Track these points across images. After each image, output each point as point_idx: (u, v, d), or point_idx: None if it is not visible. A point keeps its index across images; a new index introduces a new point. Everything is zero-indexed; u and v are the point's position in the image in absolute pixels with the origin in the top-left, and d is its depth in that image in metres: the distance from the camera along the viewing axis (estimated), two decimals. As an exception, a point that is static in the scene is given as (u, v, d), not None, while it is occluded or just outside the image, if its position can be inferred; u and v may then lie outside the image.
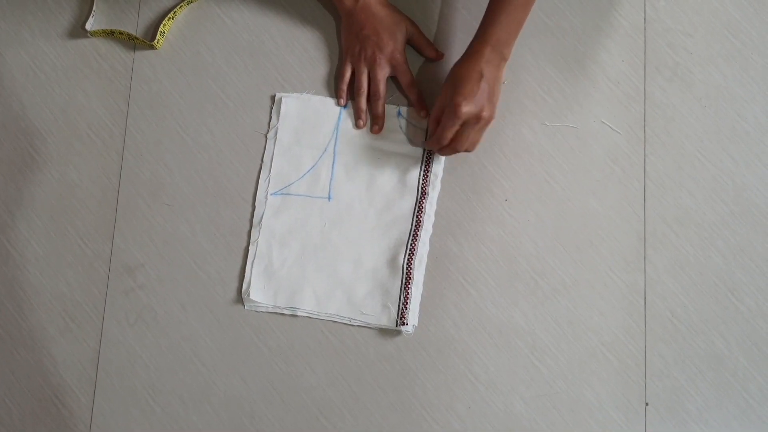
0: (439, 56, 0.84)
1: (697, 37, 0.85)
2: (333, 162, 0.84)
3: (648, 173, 0.83)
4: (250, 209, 0.84)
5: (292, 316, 0.82)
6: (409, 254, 0.81)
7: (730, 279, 0.81)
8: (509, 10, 0.75)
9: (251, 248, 0.83)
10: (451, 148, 0.77)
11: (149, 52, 0.88)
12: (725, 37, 0.85)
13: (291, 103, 0.85)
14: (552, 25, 0.86)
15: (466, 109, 0.73)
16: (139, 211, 0.85)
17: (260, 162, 0.85)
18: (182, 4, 0.87)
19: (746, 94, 0.84)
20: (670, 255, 0.81)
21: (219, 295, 0.83)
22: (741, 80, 0.84)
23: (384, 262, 0.81)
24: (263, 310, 0.82)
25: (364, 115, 0.84)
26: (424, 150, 0.83)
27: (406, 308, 0.79)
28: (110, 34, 0.87)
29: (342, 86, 0.84)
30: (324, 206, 0.83)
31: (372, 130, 0.83)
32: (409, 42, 0.84)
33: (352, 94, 0.84)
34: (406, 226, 0.82)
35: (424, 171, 0.83)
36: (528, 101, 0.84)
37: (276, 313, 0.82)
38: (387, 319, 0.80)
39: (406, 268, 0.80)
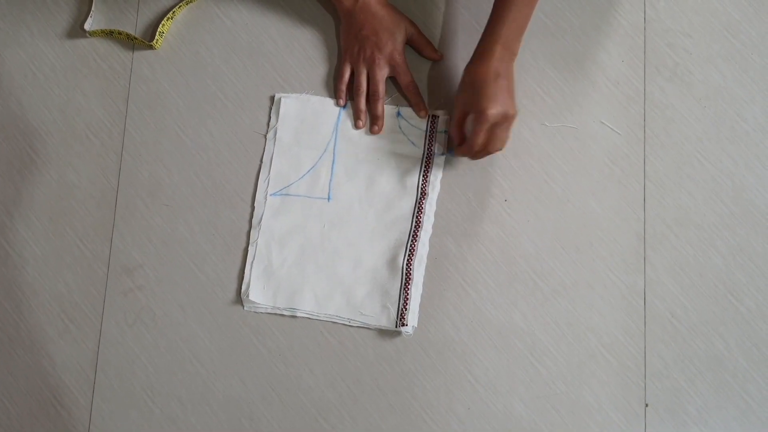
0: (439, 57, 0.84)
1: (696, 37, 0.85)
2: (332, 162, 0.84)
3: (647, 174, 0.83)
4: (249, 210, 0.84)
5: (292, 316, 0.82)
6: (409, 255, 0.81)
7: (729, 280, 0.81)
8: (516, 7, 0.75)
9: (250, 249, 0.83)
10: (484, 152, 0.77)
11: (148, 53, 0.87)
12: (725, 38, 0.85)
13: (290, 104, 0.85)
14: (552, 26, 0.86)
15: (493, 111, 0.73)
16: (137, 212, 0.85)
17: (259, 162, 0.85)
18: (181, 4, 0.87)
19: (746, 95, 0.84)
20: (669, 256, 0.81)
21: (218, 295, 0.83)
22: (740, 81, 0.84)
23: (383, 263, 0.81)
24: (262, 310, 0.82)
25: (364, 116, 0.84)
26: (424, 151, 0.83)
27: (406, 309, 0.79)
28: (109, 34, 0.87)
29: (341, 86, 0.84)
30: (323, 207, 0.83)
31: (371, 131, 0.83)
32: (409, 42, 0.84)
33: (351, 94, 0.84)
34: (406, 226, 0.82)
35: (424, 172, 0.83)
36: (527, 102, 0.84)
37: (275, 313, 0.82)
38: (386, 320, 0.80)
39: (406, 269, 0.80)
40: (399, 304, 0.80)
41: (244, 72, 0.86)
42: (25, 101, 0.88)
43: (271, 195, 0.83)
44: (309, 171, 0.84)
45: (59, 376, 0.82)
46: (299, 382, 0.81)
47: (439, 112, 0.84)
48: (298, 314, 0.81)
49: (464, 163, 0.83)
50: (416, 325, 0.80)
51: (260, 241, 0.83)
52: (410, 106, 0.84)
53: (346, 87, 0.84)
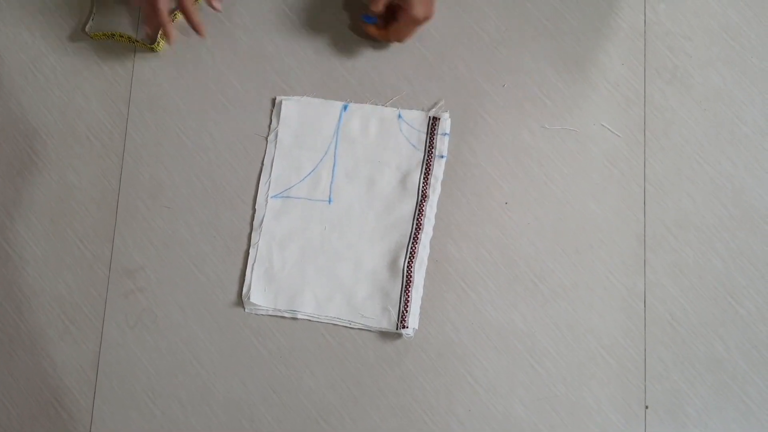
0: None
1: (696, 40, 0.85)
2: (333, 165, 0.84)
3: (647, 176, 0.83)
4: (250, 212, 0.84)
5: (292, 318, 0.82)
6: (410, 257, 0.81)
7: (729, 282, 0.81)
8: None
9: (251, 251, 0.83)
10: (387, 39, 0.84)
11: (149, 55, 0.88)
12: (724, 41, 0.85)
13: (291, 106, 0.85)
14: (552, 28, 0.86)
15: (423, 15, 0.80)
16: (138, 214, 0.85)
17: (260, 165, 0.85)
18: None
19: (745, 97, 0.84)
20: (669, 258, 0.81)
21: (219, 297, 0.83)
22: (740, 83, 0.84)
23: (384, 265, 0.81)
24: (263, 312, 0.82)
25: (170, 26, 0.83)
26: (425, 153, 0.83)
27: (407, 311, 0.79)
28: (110, 37, 0.87)
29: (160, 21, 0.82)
30: (324, 209, 0.83)
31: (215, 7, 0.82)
32: None
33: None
34: (407, 229, 0.82)
35: (425, 174, 0.83)
36: (528, 104, 0.84)
37: (276, 316, 0.82)
38: (387, 322, 0.80)
39: (407, 271, 0.80)
40: (399, 306, 0.80)
41: (245, 74, 0.86)
42: (26, 103, 0.88)
43: (272, 197, 0.84)
44: (310, 173, 0.84)
45: (60, 377, 0.83)
46: (300, 383, 0.81)
47: (441, 114, 0.84)
48: (299, 316, 0.81)
49: (465, 166, 0.83)
50: (417, 327, 0.80)
51: (261, 243, 0.83)
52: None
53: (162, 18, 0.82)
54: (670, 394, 0.79)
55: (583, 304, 0.81)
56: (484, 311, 0.81)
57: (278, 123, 0.85)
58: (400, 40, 0.83)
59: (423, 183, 0.83)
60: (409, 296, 0.80)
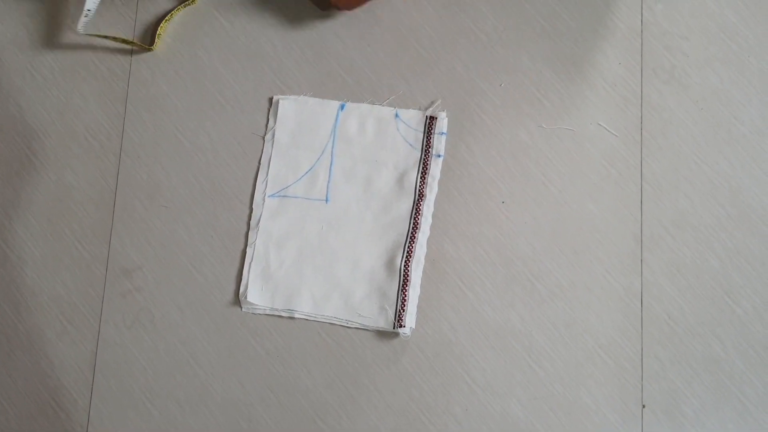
0: None
1: (693, 39, 0.85)
2: (330, 164, 0.84)
3: (644, 176, 0.83)
4: (247, 211, 0.84)
5: (290, 318, 0.82)
6: (407, 257, 0.81)
7: (726, 282, 0.81)
8: None
9: (248, 250, 0.83)
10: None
11: (147, 55, 0.88)
12: (722, 40, 0.85)
13: (288, 106, 0.85)
14: (549, 28, 0.86)
15: None
16: (136, 214, 0.85)
17: (257, 164, 0.85)
18: (179, 6, 0.87)
19: (743, 97, 0.84)
20: (666, 258, 0.81)
21: (216, 297, 0.83)
22: (737, 83, 0.84)
23: (381, 265, 0.81)
24: (260, 312, 0.82)
25: None
26: (422, 153, 0.83)
27: (404, 311, 0.80)
28: (104, 38, 0.87)
29: None
30: (321, 208, 0.83)
31: None
32: None
33: None
34: (404, 228, 0.82)
35: (422, 173, 0.83)
36: (524, 104, 0.84)
37: (273, 315, 0.82)
38: (384, 322, 0.80)
39: (404, 271, 0.80)
40: (397, 305, 0.80)
41: (243, 74, 0.86)
42: (24, 103, 0.88)
43: (269, 197, 0.84)
44: (307, 173, 0.84)
45: (57, 377, 0.83)
46: (297, 383, 0.81)
47: (438, 114, 0.84)
48: (296, 315, 0.81)
49: (462, 165, 0.83)
50: (414, 327, 0.80)
51: (258, 242, 0.83)
52: None
53: None
54: (667, 394, 0.79)
55: (580, 303, 0.81)
56: (481, 311, 0.81)
57: (275, 122, 0.85)
58: (349, 7, 0.82)
59: (420, 182, 0.83)
60: (406, 296, 0.80)
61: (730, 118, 0.84)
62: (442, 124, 0.84)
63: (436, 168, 0.83)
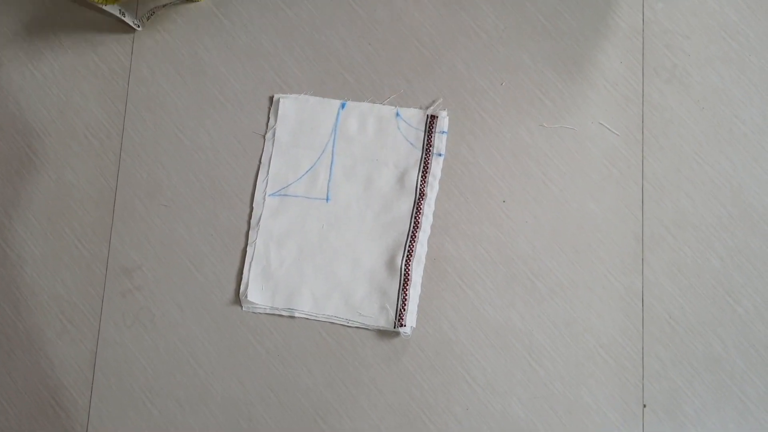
0: None
1: (694, 39, 0.85)
2: (331, 163, 0.84)
3: (646, 175, 0.83)
4: (247, 210, 0.84)
5: (290, 317, 0.82)
6: (407, 256, 0.81)
7: (727, 281, 0.81)
8: None
9: (249, 249, 0.83)
10: None
11: (147, 54, 0.87)
12: (723, 39, 0.85)
13: (289, 104, 0.85)
14: (550, 27, 0.86)
15: None
16: (136, 213, 0.85)
17: (258, 163, 0.85)
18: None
19: (744, 97, 0.84)
20: (667, 257, 0.81)
21: (216, 296, 0.83)
22: (738, 82, 0.84)
23: (382, 264, 0.81)
24: (261, 311, 0.82)
25: None
26: (422, 151, 0.83)
27: (404, 310, 0.79)
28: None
29: None
30: (322, 207, 0.83)
31: None
32: None
33: None
34: (404, 227, 0.82)
35: (422, 172, 0.83)
36: (526, 103, 0.84)
37: (273, 314, 0.82)
38: (385, 321, 0.80)
39: (404, 270, 0.80)
40: (397, 304, 0.80)
41: (243, 73, 0.86)
42: (24, 102, 0.88)
43: (269, 195, 0.84)
44: (307, 171, 0.84)
45: (57, 376, 0.82)
46: (297, 382, 0.81)
47: (439, 112, 0.84)
48: (297, 315, 0.81)
49: (463, 165, 0.83)
50: (414, 326, 0.80)
51: (258, 241, 0.83)
52: None
53: None
54: (668, 393, 0.79)
55: (581, 302, 0.81)
56: (482, 310, 0.81)
57: (276, 121, 0.85)
58: None
59: (421, 181, 0.82)
60: (406, 295, 0.80)
61: (732, 117, 0.84)
62: (443, 122, 0.84)
63: (436, 167, 0.83)
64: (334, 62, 0.86)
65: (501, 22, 0.86)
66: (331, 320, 0.81)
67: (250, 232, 0.83)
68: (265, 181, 0.84)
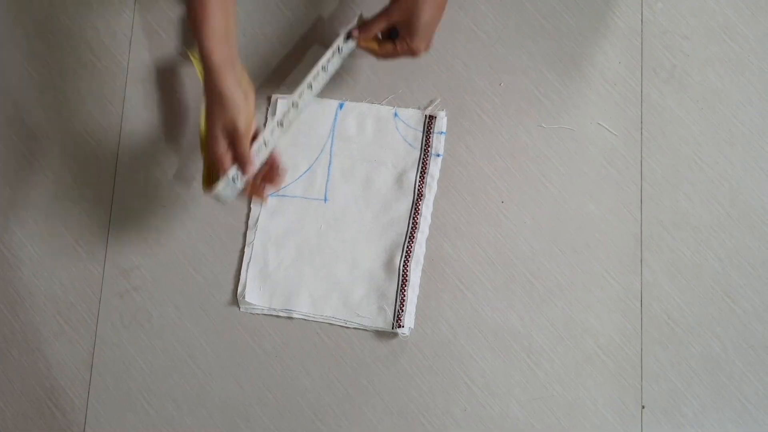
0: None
1: (693, 39, 0.85)
2: (329, 164, 0.84)
3: (644, 175, 0.83)
4: (245, 211, 0.84)
5: (288, 318, 0.81)
6: (406, 256, 0.80)
7: (726, 281, 0.81)
8: None
9: (247, 250, 0.83)
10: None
11: (144, 53, 0.87)
12: (722, 40, 0.85)
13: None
14: (549, 27, 0.85)
15: (423, 50, 0.76)
16: (133, 213, 0.84)
17: (256, 163, 0.84)
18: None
19: (743, 97, 0.84)
20: (666, 257, 0.81)
21: (214, 297, 0.82)
22: (737, 83, 0.84)
23: (380, 265, 0.81)
24: (259, 312, 0.82)
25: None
26: (421, 152, 0.83)
27: (402, 311, 0.79)
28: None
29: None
30: (320, 208, 0.83)
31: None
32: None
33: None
34: (403, 228, 0.82)
35: (421, 173, 0.83)
36: (524, 103, 0.84)
37: (271, 315, 0.82)
38: (383, 322, 0.80)
39: (403, 271, 0.80)
40: (395, 305, 0.80)
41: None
42: (21, 101, 0.87)
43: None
44: (305, 172, 0.84)
45: (54, 377, 0.82)
46: (295, 383, 0.80)
47: (437, 113, 0.84)
48: (295, 315, 0.81)
49: (461, 165, 0.83)
50: (413, 327, 0.80)
51: (256, 242, 0.82)
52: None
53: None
54: (667, 394, 0.79)
55: (579, 303, 0.80)
56: (480, 311, 0.81)
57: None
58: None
59: (419, 182, 0.82)
60: (405, 295, 0.80)
61: (730, 118, 0.83)
62: (442, 123, 0.83)
63: (435, 167, 0.83)
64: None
65: (499, 22, 0.86)
66: (329, 321, 0.81)
67: (247, 233, 0.83)
68: (263, 181, 0.84)
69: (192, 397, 0.81)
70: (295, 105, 0.77)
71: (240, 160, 0.72)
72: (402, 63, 0.85)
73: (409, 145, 0.84)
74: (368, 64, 0.86)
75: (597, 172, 0.83)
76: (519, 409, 0.79)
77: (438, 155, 0.83)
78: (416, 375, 0.80)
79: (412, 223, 0.81)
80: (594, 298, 0.81)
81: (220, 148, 0.71)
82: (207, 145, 0.72)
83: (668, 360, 0.79)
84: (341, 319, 0.81)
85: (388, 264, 0.81)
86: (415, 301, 0.80)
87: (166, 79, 0.87)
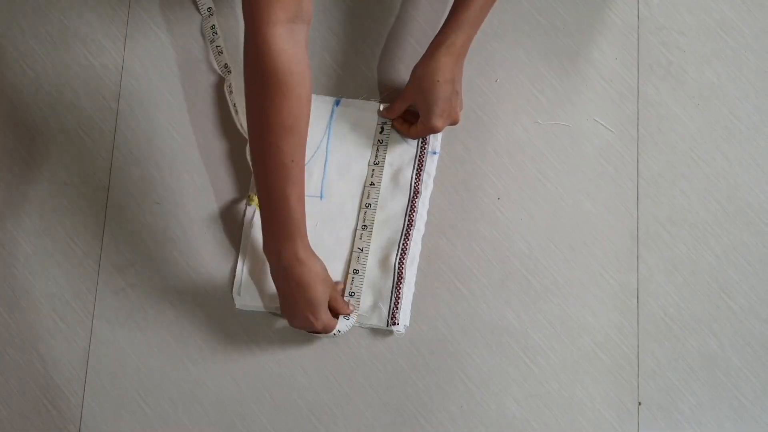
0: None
1: (690, 35, 0.85)
2: (325, 161, 0.84)
3: (641, 172, 0.83)
4: (241, 207, 0.83)
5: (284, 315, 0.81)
6: (401, 254, 0.80)
7: (722, 278, 0.81)
8: (470, 16, 0.75)
9: (242, 247, 0.82)
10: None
11: (140, 50, 0.87)
12: (719, 36, 0.85)
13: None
14: (545, 24, 0.85)
15: (441, 125, 0.78)
16: (129, 210, 0.84)
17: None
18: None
19: (739, 93, 0.84)
20: (662, 254, 0.81)
21: (210, 294, 0.82)
22: (734, 79, 0.84)
23: (376, 262, 0.81)
24: (254, 309, 0.81)
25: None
26: (417, 149, 0.83)
27: (397, 308, 0.79)
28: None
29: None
30: (316, 205, 0.83)
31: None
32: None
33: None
34: (399, 225, 0.81)
35: (417, 170, 0.82)
36: (521, 100, 0.84)
37: (267, 312, 0.81)
38: (378, 319, 0.80)
39: (398, 268, 0.80)
40: (390, 303, 0.79)
41: (238, 70, 0.86)
42: (16, 99, 0.87)
43: (263, 193, 0.83)
44: (301, 169, 0.83)
45: (50, 375, 0.82)
46: (292, 381, 0.80)
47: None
48: (291, 313, 0.81)
49: (457, 162, 0.83)
50: (408, 324, 0.80)
51: (253, 239, 0.82)
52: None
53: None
54: (663, 391, 0.79)
55: (576, 300, 0.80)
56: (476, 308, 0.81)
57: (269, 118, 0.84)
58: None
59: (415, 179, 0.82)
60: (400, 293, 0.79)
61: (727, 114, 0.83)
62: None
63: (431, 164, 0.83)
64: (328, 59, 0.86)
65: (496, 18, 0.85)
66: (325, 318, 0.81)
67: (243, 230, 0.83)
68: (259, 178, 0.83)
69: (188, 395, 0.81)
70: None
71: (343, 313, 0.78)
72: (398, 59, 0.85)
73: (405, 142, 0.83)
74: (365, 61, 0.85)
75: (593, 169, 0.83)
76: (516, 406, 0.79)
77: (434, 153, 0.83)
78: (413, 372, 0.80)
79: (408, 221, 0.81)
80: (590, 294, 0.80)
81: (330, 321, 0.77)
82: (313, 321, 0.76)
83: (665, 357, 0.79)
84: (337, 316, 0.80)
85: (384, 261, 0.81)
86: (411, 298, 0.80)
87: (161, 77, 0.86)
